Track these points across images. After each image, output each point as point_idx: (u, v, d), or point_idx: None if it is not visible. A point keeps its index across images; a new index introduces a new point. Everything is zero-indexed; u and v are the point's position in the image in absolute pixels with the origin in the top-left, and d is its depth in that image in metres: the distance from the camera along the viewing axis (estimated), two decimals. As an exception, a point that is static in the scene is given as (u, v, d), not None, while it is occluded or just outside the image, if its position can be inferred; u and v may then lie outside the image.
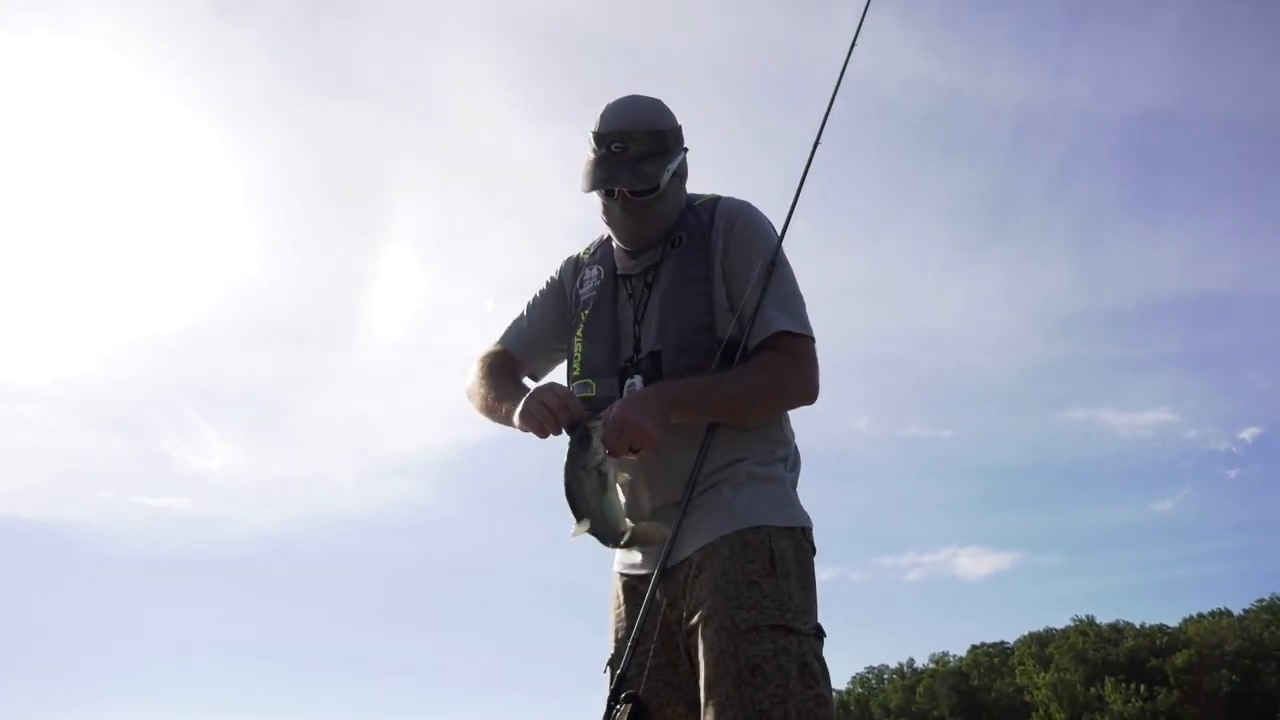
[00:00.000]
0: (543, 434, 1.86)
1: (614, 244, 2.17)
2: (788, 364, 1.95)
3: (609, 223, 2.10)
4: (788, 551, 1.92)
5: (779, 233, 2.07)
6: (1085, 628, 57.51)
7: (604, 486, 1.80)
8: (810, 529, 2.00)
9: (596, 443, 1.79)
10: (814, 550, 2.00)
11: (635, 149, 1.98)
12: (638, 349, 2.03)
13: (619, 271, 2.13)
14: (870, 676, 70.13)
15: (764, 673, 1.78)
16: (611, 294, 2.11)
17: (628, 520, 1.88)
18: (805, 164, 2.14)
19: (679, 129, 2.08)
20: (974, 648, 64.56)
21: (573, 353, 2.11)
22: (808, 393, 1.98)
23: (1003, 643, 63.79)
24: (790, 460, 2.06)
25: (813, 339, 2.00)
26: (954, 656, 65.76)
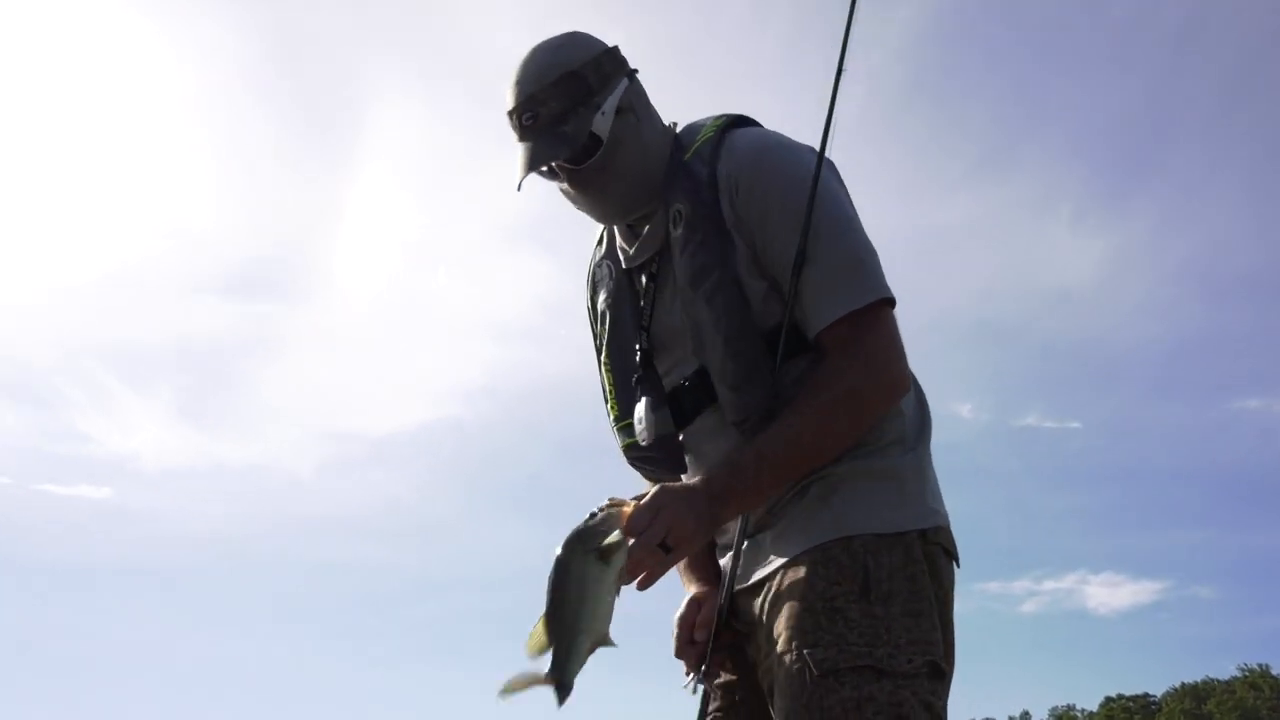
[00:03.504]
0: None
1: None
2: (852, 369, 1.71)
3: (576, 208, 1.91)
4: (891, 567, 1.68)
5: (817, 157, 1.78)
6: (1256, 679, 53.05)
7: (601, 580, 1.54)
8: (937, 529, 1.75)
9: (611, 525, 1.55)
10: (950, 556, 1.77)
11: (547, 111, 1.79)
12: (647, 362, 1.88)
13: (625, 265, 1.95)
14: (980, 732, 64.98)
15: None
16: (628, 303, 1.94)
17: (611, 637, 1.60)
18: (839, 56, 1.84)
19: (601, 55, 1.84)
20: (1109, 701, 60.70)
21: (604, 387, 1.98)
22: (891, 390, 1.74)
23: (1146, 695, 60.13)
24: (909, 434, 1.80)
25: (883, 302, 1.73)
26: (1082, 711, 62.59)
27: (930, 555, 1.72)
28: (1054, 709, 64.48)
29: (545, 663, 1.51)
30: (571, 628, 1.51)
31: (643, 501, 1.57)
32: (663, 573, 1.61)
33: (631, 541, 1.53)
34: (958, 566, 1.78)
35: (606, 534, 1.52)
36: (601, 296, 1.99)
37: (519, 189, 1.79)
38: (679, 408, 1.85)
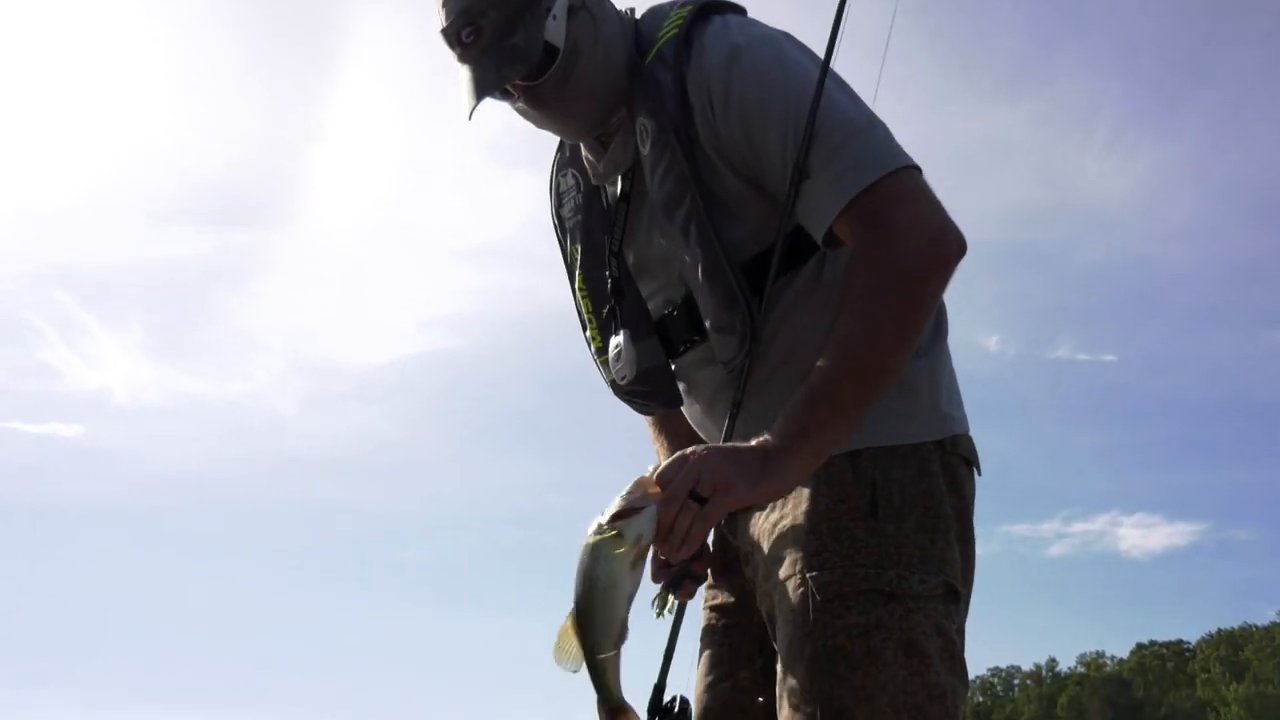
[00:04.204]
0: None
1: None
2: (880, 245, 1.57)
3: (537, 126, 1.83)
4: (903, 482, 1.65)
5: (792, 41, 1.71)
6: (1296, 625, 54.10)
7: (614, 560, 1.46)
8: (955, 438, 1.71)
9: (633, 496, 1.47)
10: (970, 465, 1.73)
11: (489, 23, 1.68)
12: (618, 292, 1.82)
13: (593, 179, 1.88)
14: (996, 681, 65.52)
15: (849, 657, 1.55)
16: (599, 222, 1.89)
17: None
18: None
19: None
20: (1140, 648, 60.71)
21: (581, 314, 1.93)
22: (938, 245, 1.59)
23: (1180, 642, 59.82)
24: (921, 338, 1.71)
25: (903, 168, 1.59)
26: (1112, 659, 61.54)
27: (949, 466, 1.66)
28: (1082, 656, 63.01)
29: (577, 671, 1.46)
30: (593, 642, 1.43)
31: (673, 459, 1.46)
32: (704, 532, 1.43)
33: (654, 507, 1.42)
34: (979, 475, 1.72)
35: (628, 510, 1.41)
36: (568, 210, 1.90)
37: (470, 118, 1.69)
38: (666, 337, 1.77)
